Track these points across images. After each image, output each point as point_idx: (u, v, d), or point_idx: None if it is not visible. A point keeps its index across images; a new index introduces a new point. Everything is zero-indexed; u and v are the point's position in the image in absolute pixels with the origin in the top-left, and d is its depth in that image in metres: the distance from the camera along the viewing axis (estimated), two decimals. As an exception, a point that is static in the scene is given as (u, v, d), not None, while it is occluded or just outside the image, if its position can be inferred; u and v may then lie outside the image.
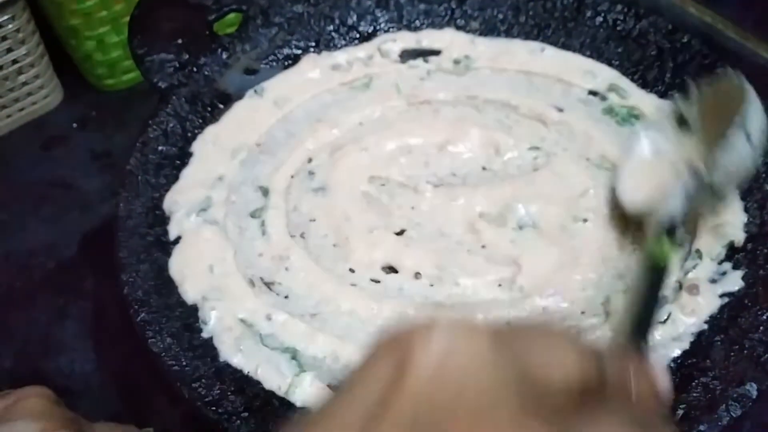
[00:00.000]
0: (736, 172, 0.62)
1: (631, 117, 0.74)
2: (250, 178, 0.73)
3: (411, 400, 0.27)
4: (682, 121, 0.68)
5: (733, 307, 0.62)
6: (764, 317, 0.60)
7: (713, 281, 0.64)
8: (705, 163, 0.62)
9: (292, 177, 0.72)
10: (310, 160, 0.74)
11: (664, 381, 0.39)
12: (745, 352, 0.59)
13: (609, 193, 0.69)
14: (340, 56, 0.80)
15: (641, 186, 0.66)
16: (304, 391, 0.59)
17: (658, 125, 0.69)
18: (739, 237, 0.65)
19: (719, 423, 0.55)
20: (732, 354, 0.59)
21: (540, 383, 0.29)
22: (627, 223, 0.67)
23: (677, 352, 0.60)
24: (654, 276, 0.57)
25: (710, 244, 0.65)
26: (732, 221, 0.66)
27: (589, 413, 0.30)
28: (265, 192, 0.71)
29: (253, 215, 0.70)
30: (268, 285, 0.66)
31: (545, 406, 0.29)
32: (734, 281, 0.63)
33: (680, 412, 0.56)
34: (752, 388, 0.56)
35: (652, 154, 0.68)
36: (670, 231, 0.60)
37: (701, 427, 0.55)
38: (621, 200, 0.67)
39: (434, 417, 0.27)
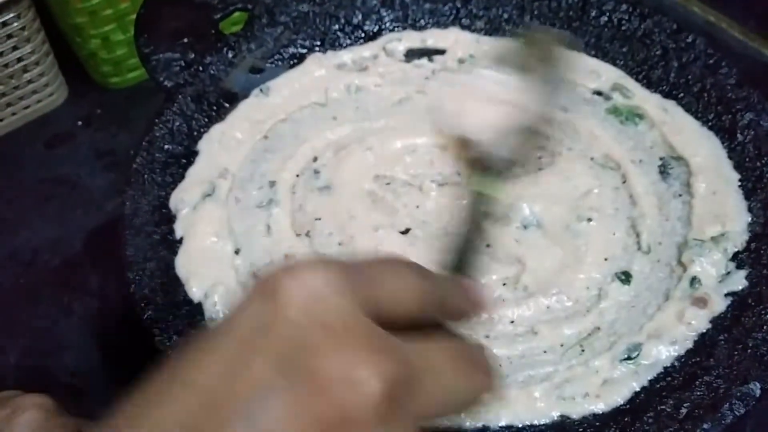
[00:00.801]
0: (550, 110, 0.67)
1: (635, 116, 0.74)
2: (256, 175, 0.73)
3: (279, 336, 0.31)
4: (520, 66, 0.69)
5: (737, 307, 0.62)
6: (768, 317, 0.61)
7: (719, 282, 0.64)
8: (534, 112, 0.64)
9: (297, 176, 0.72)
10: (315, 159, 0.74)
11: (483, 295, 0.45)
12: (749, 351, 0.59)
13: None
14: (346, 55, 0.80)
15: (479, 121, 0.67)
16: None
17: (497, 65, 0.70)
18: (741, 243, 0.66)
19: (723, 422, 0.55)
20: (736, 353, 0.59)
21: (386, 311, 0.33)
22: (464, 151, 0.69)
23: (681, 351, 0.60)
24: (478, 206, 0.58)
25: (716, 259, 0.65)
26: (733, 230, 0.66)
27: (426, 339, 0.35)
28: (272, 185, 0.72)
29: (258, 206, 0.71)
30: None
31: (390, 327, 0.33)
32: (738, 281, 0.63)
33: (684, 410, 0.56)
34: (756, 387, 0.57)
35: (490, 90, 0.68)
36: (493, 165, 0.62)
37: (705, 426, 0.55)
38: (463, 132, 0.69)
39: (300, 349, 0.30)
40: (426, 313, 0.38)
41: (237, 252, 0.68)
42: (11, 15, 0.87)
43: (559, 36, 0.68)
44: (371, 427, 0.30)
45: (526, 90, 0.65)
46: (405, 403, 0.31)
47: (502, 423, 0.58)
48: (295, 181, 0.72)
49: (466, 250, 0.54)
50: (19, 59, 0.90)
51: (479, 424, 0.58)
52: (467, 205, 0.58)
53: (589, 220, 0.68)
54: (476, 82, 0.69)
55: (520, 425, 0.58)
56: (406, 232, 0.69)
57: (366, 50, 0.81)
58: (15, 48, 0.89)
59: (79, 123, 0.96)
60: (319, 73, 0.79)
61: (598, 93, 0.77)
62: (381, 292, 0.34)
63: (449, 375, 0.35)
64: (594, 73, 0.77)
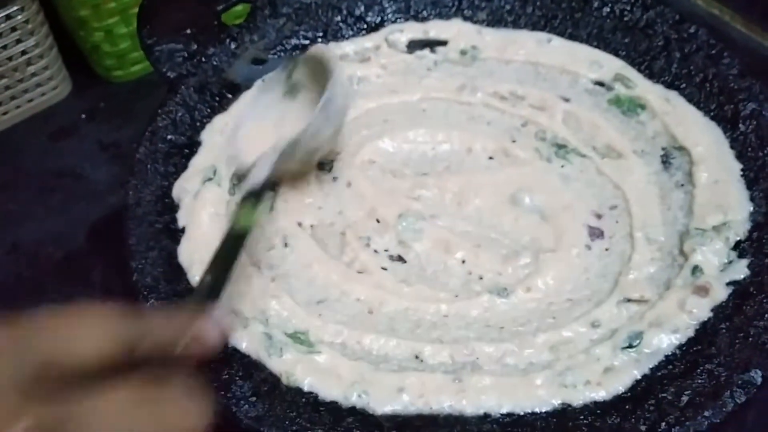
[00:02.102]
0: (316, 144, 0.68)
1: (637, 107, 0.74)
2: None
3: None
4: (293, 88, 0.72)
5: (738, 295, 0.62)
6: (769, 305, 0.61)
7: (720, 271, 0.64)
8: (292, 137, 0.67)
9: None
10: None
11: (212, 332, 0.45)
12: (750, 339, 0.59)
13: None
14: (348, 46, 0.81)
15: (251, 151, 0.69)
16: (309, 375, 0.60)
17: (271, 86, 0.73)
18: (743, 232, 0.66)
19: (724, 409, 0.56)
20: (737, 341, 0.59)
21: (57, 364, 0.34)
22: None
23: (683, 340, 0.60)
24: (237, 239, 0.60)
25: (717, 248, 0.65)
26: (735, 219, 0.66)
27: (104, 385, 0.35)
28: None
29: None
30: (275, 271, 0.66)
31: (53, 387, 0.34)
32: (740, 270, 0.63)
33: (685, 398, 0.57)
34: (757, 375, 0.57)
35: (263, 114, 0.71)
36: (256, 195, 0.64)
37: (706, 413, 0.55)
38: (235, 161, 0.71)
39: None
40: (121, 354, 0.38)
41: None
42: (15, 8, 0.87)
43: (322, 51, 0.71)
44: None
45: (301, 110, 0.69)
46: None
47: (504, 410, 0.58)
48: (300, 171, 0.72)
49: (219, 281, 0.56)
50: (23, 52, 0.90)
51: (481, 412, 0.58)
52: (227, 239, 0.60)
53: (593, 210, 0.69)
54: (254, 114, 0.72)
55: (522, 413, 0.58)
56: (409, 221, 0.69)
57: (368, 41, 0.81)
58: (19, 41, 0.89)
59: (83, 116, 0.96)
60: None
61: (600, 84, 0.77)
62: (48, 346, 0.35)
63: (111, 419, 0.35)
64: (596, 63, 0.78)
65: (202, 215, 0.68)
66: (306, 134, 0.67)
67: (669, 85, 0.75)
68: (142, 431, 0.36)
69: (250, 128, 0.71)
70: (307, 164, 0.71)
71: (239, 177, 0.70)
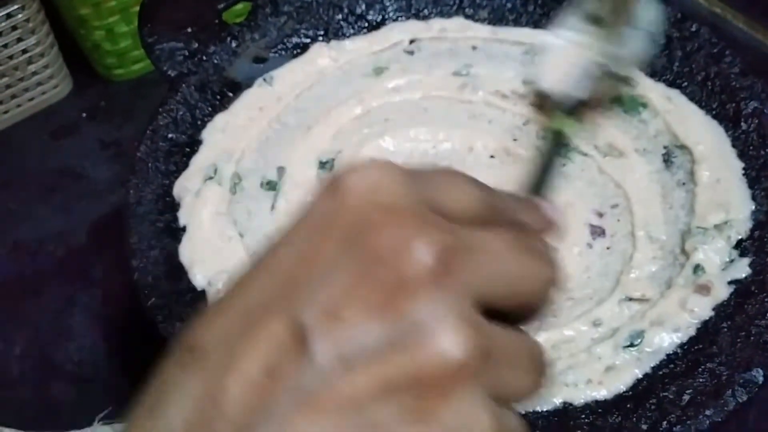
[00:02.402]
0: (634, 59, 0.70)
1: (638, 105, 0.74)
2: (261, 163, 0.73)
3: (343, 220, 0.33)
4: (595, 18, 0.71)
5: (740, 294, 0.62)
6: (771, 304, 0.61)
7: (722, 269, 0.64)
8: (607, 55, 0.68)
9: (301, 163, 0.73)
10: (321, 149, 0.74)
11: (555, 214, 0.44)
12: (752, 338, 0.59)
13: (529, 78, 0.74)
14: (349, 45, 0.80)
15: (556, 72, 0.70)
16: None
17: (570, 23, 0.72)
18: (745, 231, 0.66)
19: (725, 408, 0.55)
20: (739, 340, 0.59)
21: (443, 207, 0.35)
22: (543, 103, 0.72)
23: (684, 339, 0.60)
24: (555, 144, 0.64)
25: (719, 247, 0.65)
26: (737, 218, 0.66)
27: (483, 229, 0.36)
28: (279, 171, 0.72)
29: (263, 193, 0.71)
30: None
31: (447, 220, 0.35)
32: (742, 268, 0.63)
33: (686, 397, 0.56)
34: (759, 374, 0.56)
35: (567, 47, 0.71)
36: (573, 108, 0.67)
37: (707, 413, 0.55)
38: (540, 84, 0.72)
39: (361, 230, 0.33)
40: (487, 221, 0.38)
41: (241, 237, 0.68)
42: (16, 6, 0.87)
43: None
44: (426, 286, 0.32)
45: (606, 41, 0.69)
46: (458, 271, 0.33)
47: (506, 409, 0.58)
48: (301, 169, 0.72)
49: (543, 173, 0.59)
50: (24, 51, 0.91)
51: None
52: (546, 144, 0.64)
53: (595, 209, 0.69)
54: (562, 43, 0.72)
55: (522, 412, 0.58)
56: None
57: (369, 40, 0.81)
58: (19, 40, 0.89)
59: (84, 115, 0.96)
60: (322, 62, 0.79)
61: (602, 82, 0.77)
62: (439, 192, 0.36)
63: (505, 255, 0.36)
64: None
65: (203, 214, 0.68)
66: (619, 50, 0.69)
67: (670, 84, 0.75)
68: (526, 270, 0.37)
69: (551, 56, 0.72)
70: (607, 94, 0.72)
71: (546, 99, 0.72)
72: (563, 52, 0.71)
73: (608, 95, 0.72)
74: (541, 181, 0.59)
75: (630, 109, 0.74)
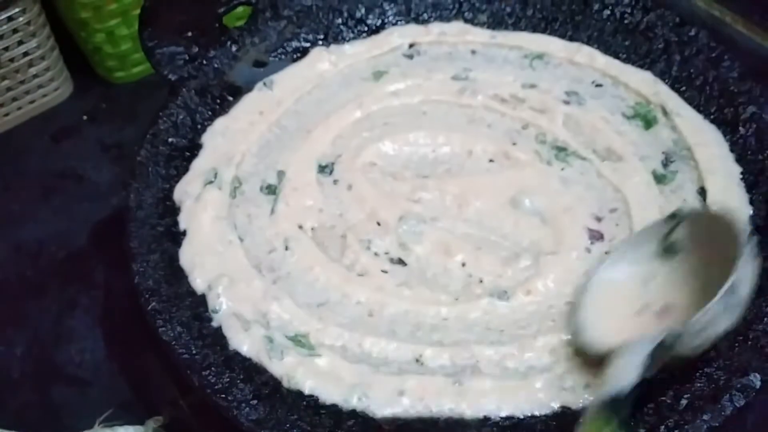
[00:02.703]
0: (712, 336, 0.56)
1: (655, 121, 0.74)
2: (260, 166, 0.73)
3: None
4: (669, 247, 0.61)
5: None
6: (769, 309, 0.61)
7: None
8: (679, 321, 0.55)
9: (300, 167, 0.73)
10: (320, 152, 0.74)
11: None
12: (750, 342, 0.59)
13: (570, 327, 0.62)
14: (349, 49, 0.81)
15: (602, 323, 0.59)
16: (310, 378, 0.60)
17: (638, 245, 0.62)
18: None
19: (723, 413, 0.56)
20: (736, 345, 0.59)
21: None
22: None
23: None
24: None
25: None
26: None
27: None
28: (279, 176, 0.73)
29: (263, 197, 0.71)
30: (275, 273, 0.67)
31: None
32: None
33: (684, 401, 0.57)
34: (756, 379, 0.57)
35: (619, 280, 0.61)
36: (615, 407, 0.53)
37: (705, 417, 0.55)
38: (580, 338, 0.60)
39: None
40: None
41: (241, 241, 0.68)
42: (17, 10, 0.87)
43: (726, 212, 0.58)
44: None
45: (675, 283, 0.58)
46: None
47: (504, 413, 0.58)
48: (300, 173, 0.72)
49: None
50: (25, 54, 0.91)
51: (481, 415, 0.58)
52: None
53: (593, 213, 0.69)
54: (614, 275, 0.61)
55: (522, 416, 0.59)
56: (409, 224, 0.69)
57: (369, 44, 0.81)
58: (21, 42, 0.90)
59: (84, 117, 0.96)
60: (322, 66, 0.79)
61: (600, 86, 0.77)
62: None
63: None
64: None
65: (203, 218, 0.69)
66: (694, 325, 0.54)
67: (669, 88, 0.75)
68: None
69: (606, 286, 0.60)
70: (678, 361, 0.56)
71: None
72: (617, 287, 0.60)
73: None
74: None
75: (649, 126, 0.74)
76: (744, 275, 0.55)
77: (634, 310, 0.59)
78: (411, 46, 0.81)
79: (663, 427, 0.55)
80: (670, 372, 0.57)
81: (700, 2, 0.86)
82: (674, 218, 0.60)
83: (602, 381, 0.54)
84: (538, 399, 0.59)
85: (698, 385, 0.57)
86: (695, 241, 0.60)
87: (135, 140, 0.75)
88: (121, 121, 0.95)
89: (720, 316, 0.55)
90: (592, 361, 0.58)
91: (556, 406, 0.59)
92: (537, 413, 0.58)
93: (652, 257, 0.61)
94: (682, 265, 0.60)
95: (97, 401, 0.72)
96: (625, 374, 0.53)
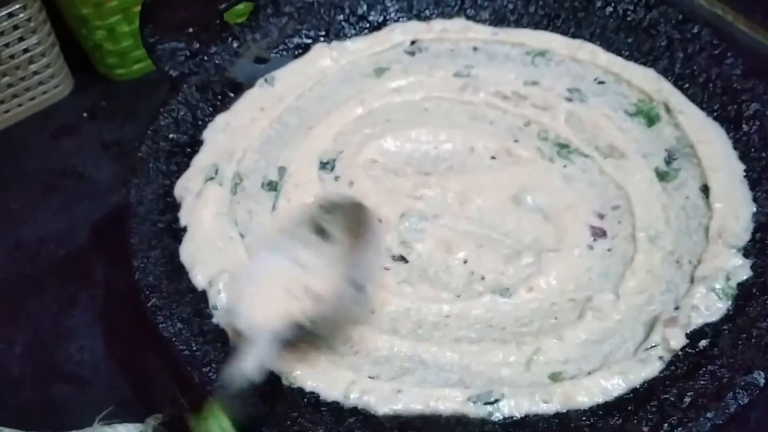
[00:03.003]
0: (342, 320, 0.60)
1: (658, 119, 0.74)
2: (262, 163, 0.73)
3: None
4: (321, 233, 0.62)
5: (741, 296, 0.62)
6: (773, 306, 0.60)
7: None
8: (310, 313, 0.57)
9: (302, 163, 0.72)
10: (322, 149, 0.74)
11: None
12: (753, 340, 0.59)
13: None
14: (350, 46, 0.80)
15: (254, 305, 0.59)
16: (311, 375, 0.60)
17: (293, 231, 0.63)
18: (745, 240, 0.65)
19: (726, 411, 0.55)
20: (740, 342, 0.59)
21: None
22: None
23: (684, 341, 0.60)
24: None
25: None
26: (737, 233, 0.65)
27: None
28: (280, 172, 0.72)
29: (264, 194, 0.71)
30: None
31: None
32: (743, 271, 0.63)
33: (688, 399, 0.56)
34: (760, 377, 0.56)
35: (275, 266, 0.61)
36: (232, 397, 0.54)
37: (708, 415, 0.55)
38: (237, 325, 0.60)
39: None
40: None
41: (242, 237, 0.68)
42: (17, 6, 0.87)
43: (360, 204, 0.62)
44: None
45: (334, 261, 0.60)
46: None
47: (506, 410, 0.58)
48: (302, 170, 0.72)
49: None
50: (25, 50, 0.91)
51: (483, 412, 0.58)
52: None
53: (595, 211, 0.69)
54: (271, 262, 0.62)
55: (524, 413, 0.58)
56: (411, 221, 0.69)
57: (371, 40, 0.81)
58: (21, 39, 0.89)
59: (85, 114, 0.96)
60: (323, 62, 0.79)
61: (602, 83, 0.76)
62: None
63: None
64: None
65: (204, 215, 0.68)
66: (323, 314, 0.58)
67: (672, 85, 0.75)
68: None
69: (264, 265, 0.61)
70: (318, 345, 0.60)
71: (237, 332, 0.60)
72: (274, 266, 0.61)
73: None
74: None
75: (652, 123, 0.74)
76: (370, 261, 0.59)
77: (291, 294, 0.60)
78: (413, 42, 0.81)
79: (666, 424, 0.55)
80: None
81: (702, 1, 0.86)
82: (323, 207, 0.62)
83: (229, 367, 0.56)
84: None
85: (702, 382, 0.57)
86: (343, 229, 0.62)
87: (135, 138, 0.74)
88: (121, 118, 0.95)
89: (352, 301, 0.58)
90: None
91: (558, 404, 0.58)
92: (540, 411, 0.58)
93: (304, 244, 0.62)
94: (332, 251, 0.62)
95: (96, 399, 0.71)
96: (248, 362, 0.55)
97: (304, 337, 0.58)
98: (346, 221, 0.61)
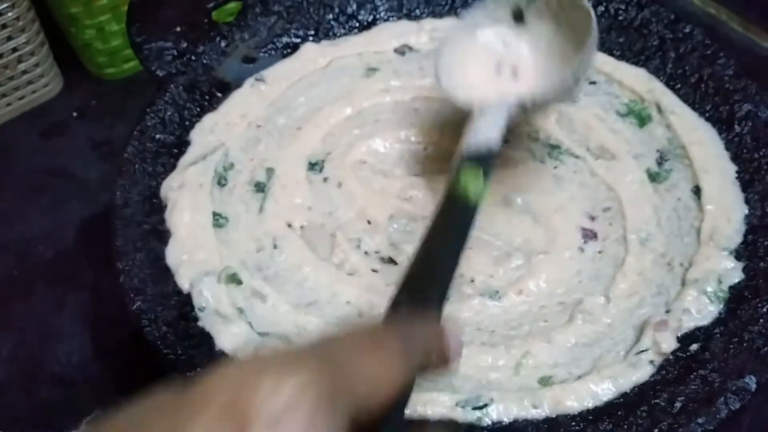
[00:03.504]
0: (555, 100, 0.63)
1: (649, 119, 0.73)
2: (248, 162, 0.73)
3: None
4: (518, 16, 0.64)
5: (733, 299, 0.61)
6: (764, 310, 0.60)
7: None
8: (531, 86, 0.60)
9: (290, 164, 0.72)
10: (310, 149, 0.73)
11: (454, 342, 0.41)
12: (745, 344, 0.58)
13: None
14: (340, 45, 0.80)
15: (461, 75, 0.62)
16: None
17: (491, 11, 0.66)
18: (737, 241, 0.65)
19: (718, 416, 0.55)
20: (731, 346, 0.58)
21: (363, 405, 0.33)
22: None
23: (675, 345, 0.60)
24: (460, 217, 0.50)
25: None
26: (729, 235, 0.65)
27: None
28: (268, 173, 0.72)
29: (251, 195, 0.71)
30: (263, 272, 0.66)
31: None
32: (735, 274, 0.63)
33: (678, 404, 0.56)
34: (751, 381, 0.56)
35: (478, 40, 0.64)
36: (483, 161, 0.54)
37: (699, 420, 0.54)
38: (443, 83, 0.63)
39: None
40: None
41: (229, 239, 0.68)
42: (6, 5, 0.86)
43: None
44: None
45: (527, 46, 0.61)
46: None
47: (495, 415, 0.58)
48: (290, 171, 0.71)
49: (444, 277, 0.47)
50: (14, 49, 0.90)
51: (473, 417, 0.57)
52: (445, 216, 0.50)
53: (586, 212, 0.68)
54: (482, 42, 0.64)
55: (513, 418, 0.58)
56: (400, 223, 0.68)
57: (360, 40, 0.80)
58: (10, 38, 0.89)
59: (74, 114, 0.95)
60: (312, 62, 0.78)
61: (593, 83, 0.76)
62: (359, 391, 0.33)
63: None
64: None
65: (191, 216, 0.68)
66: (550, 92, 0.60)
67: (664, 85, 0.74)
68: None
69: (463, 51, 0.63)
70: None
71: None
72: (477, 49, 0.63)
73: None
74: (444, 279, 0.46)
75: (643, 124, 0.73)
76: (592, 52, 0.61)
77: (490, 68, 0.63)
78: (403, 42, 0.80)
79: (656, 430, 0.54)
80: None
81: (696, 0, 0.85)
82: None
83: (468, 135, 0.57)
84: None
85: (692, 387, 0.57)
86: (543, 12, 0.64)
87: (125, 137, 0.73)
88: (111, 117, 0.94)
89: (581, 70, 0.61)
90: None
91: (547, 409, 0.58)
92: (529, 416, 0.57)
93: (503, 22, 0.65)
94: (531, 32, 0.65)
95: (84, 401, 0.71)
96: (489, 130, 0.57)
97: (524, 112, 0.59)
98: (550, 8, 0.62)
